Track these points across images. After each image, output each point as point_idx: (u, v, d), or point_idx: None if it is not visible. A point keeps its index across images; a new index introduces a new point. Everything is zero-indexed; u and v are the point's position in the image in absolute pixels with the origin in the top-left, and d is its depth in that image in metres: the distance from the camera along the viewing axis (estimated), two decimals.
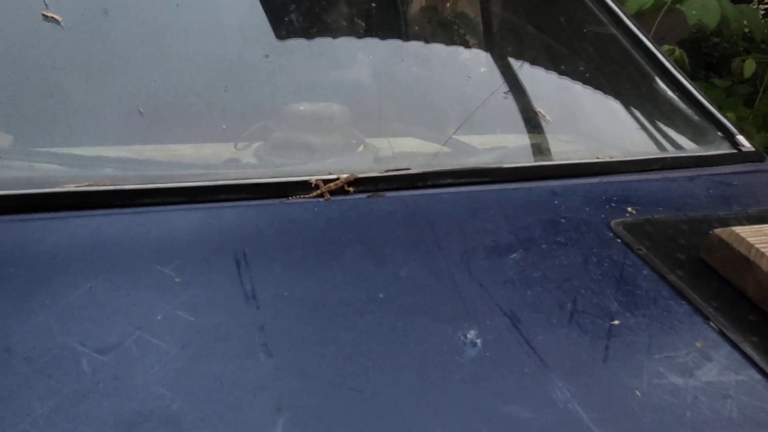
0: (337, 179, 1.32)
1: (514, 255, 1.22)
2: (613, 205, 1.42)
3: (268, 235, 1.16)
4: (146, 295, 1.01)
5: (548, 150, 1.67)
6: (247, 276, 1.07)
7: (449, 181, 1.40)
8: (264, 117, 1.70)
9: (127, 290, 1.02)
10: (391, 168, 1.39)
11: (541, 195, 1.42)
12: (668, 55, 2.10)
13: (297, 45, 1.83)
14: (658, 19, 3.43)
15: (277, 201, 1.27)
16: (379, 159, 1.64)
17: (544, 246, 1.26)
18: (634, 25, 2.01)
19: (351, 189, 1.32)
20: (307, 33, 1.86)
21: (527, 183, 1.46)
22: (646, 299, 1.16)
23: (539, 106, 1.82)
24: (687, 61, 3.37)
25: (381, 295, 1.08)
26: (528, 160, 1.63)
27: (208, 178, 1.25)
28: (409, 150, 1.82)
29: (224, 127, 1.68)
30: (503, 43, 2.24)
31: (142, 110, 1.48)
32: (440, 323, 1.04)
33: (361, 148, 1.76)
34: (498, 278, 1.16)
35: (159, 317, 0.98)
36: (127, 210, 1.17)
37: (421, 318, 1.05)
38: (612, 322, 1.09)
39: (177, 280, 1.05)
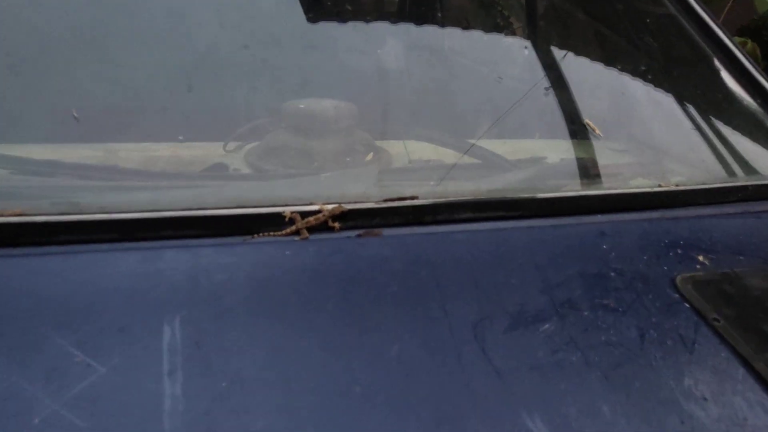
0: (319, 212, 1.02)
1: (547, 326, 0.91)
2: (679, 251, 1.09)
3: (215, 290, 0.87)
4: (28, 383, 0.73)
5: (596, 172, 1.34)
6: (175, 356, 0.78)
7: (467, 215, 1.09)
8: (258, 116, 1.44)
9: (5, 373, 0.74)
10: (392, 197, 1.08)
11: (585, 236, 1.10)
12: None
13: (298, 31, 1.54)
14: (727, 6, 3.02)
15: (238, 239, 0.97)
16: (383, 181, 1.34)
17: (586, 313, 0.94)
18: (706, 13, 1.65)
19: (336, 225, 1.02)
20: (310, 16, 1.56)
21: (567, 219, 1.13)
22: (727, 397, 0.84)
23: (588, 113, 1.48)
24: (760, 55, 2.95)
25: (358, 389, 0.79)
26: (569, 185, 1.31)
27: (154, 207, 0.96)
28: (427, 158, 1.52)
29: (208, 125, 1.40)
30: (549, 32, 1.90)
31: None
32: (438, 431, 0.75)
33: (370, 156, 1.46)
34: (522, 363, 0.85)
35: (36, 420, 0.70)
36: (33, 250, 0.90)
37: (412, 424, 0.76)
38: None
39: (77, 359, 0.76)
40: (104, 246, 0.91)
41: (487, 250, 1.03)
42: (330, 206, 1.02)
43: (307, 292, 0.90)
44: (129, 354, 0.78)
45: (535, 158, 1.49)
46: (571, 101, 1.57)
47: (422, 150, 1.52)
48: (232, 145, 1.42)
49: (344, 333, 0.86)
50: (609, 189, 1.27)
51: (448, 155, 1.52)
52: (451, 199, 1.10)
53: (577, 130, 1.52)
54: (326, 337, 0.84)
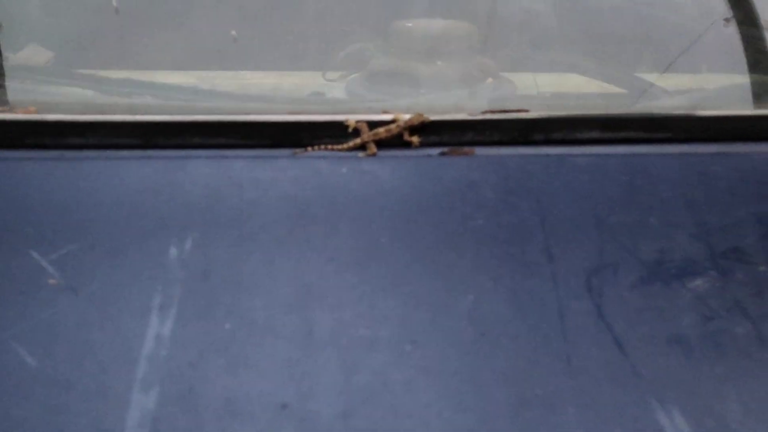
0: (393, 122, 0.78)
1: (698, 282, 0.63)
2: None
3: (241, 210, 0.67)
4: None
5: None
6: (173, 287, 0.60)
7: (593, 134, 0.81)
8: (361, 37, 1.28)
9: None
10: (493, 109, 0.82)
11: (763, 168, 0.78)
12: None
13: None
14: None
15: (285, 152, 0.76)
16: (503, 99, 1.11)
17: (762, 268, 0.64)
18: None
19: (415, 139, 0.78)
20: None
21: (738, 145, 0.82)
22: None
23: None
24: None
25: (409, 349, 0.56)
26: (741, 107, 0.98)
27: (184, 111, 0.78)
28: (566, 90, 1.25)
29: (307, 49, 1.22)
30: None
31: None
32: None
33: (489, 81, 1.22)
34: (657, 332, 0.58)
35: None
36: (40, 153, 0.74)
37: (480, 410, 0.52)
38: None
39: (50, 281, 0.60)
40: (121, 153, 0.74)
41: (618, 180, 0.74)
42: (407, 116, 0.78)
43: (360, 221, 0.68)
44: (114, 280, 0.60)
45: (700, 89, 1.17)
46: (755, 32, 1.22)
47: (561, 82, 1.27)
48: (333, 74, 1.23)
49: (402, 276, 0.63)
50: None
51: (592, 87, 1.25)
52: (574, 113, 0.82)
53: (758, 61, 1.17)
54: (374, 280, 0.62)
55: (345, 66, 1.28)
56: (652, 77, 1.23)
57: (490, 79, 1.25)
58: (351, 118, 0.78)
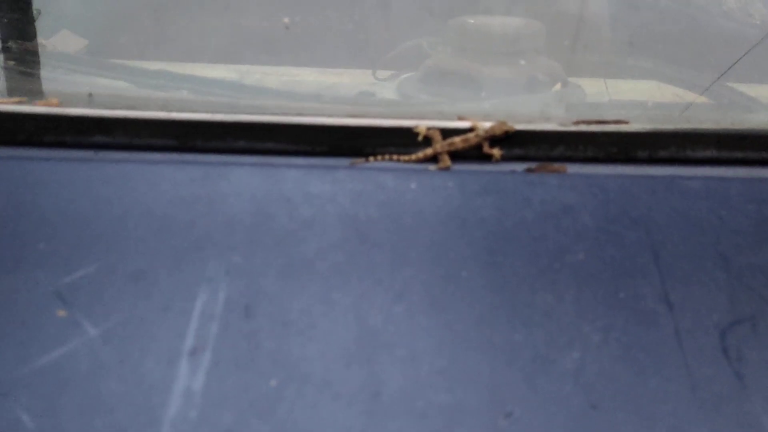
0: (471, 130, 0.66)
1: None
2: None
3: (290, 231, 0.56)
4: None
5: None
6: (208, 326, 0.48)
7: (709, 153, 0.68)
8: (416, 35, 1.17)
9: None
10: (586, 119, 0.70)
11: None
12: None
13: None
14: None
15: (343, 162, 0.65)
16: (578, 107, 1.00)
17: None
18: None
19: (496, 151, 0.66)
20: None
21: None
22: None
23: None
24: None
25: (502, 422, 0.44)
26: None
27: (225, 110, 0.66)
28: (641, 99, 1.14)
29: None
30: None
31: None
32: None
33: (557, 87, 1.12)
34: None
35: None
36: (58, 153, 0.63)
37: None
38: None
39: (59, 313, 0.49)
40: (153, 156, 0.63)
41: (744, 210, 0.61)
42: (487, 124, 0.66)
43: (435, 249, 0.56)
44: (138, 313, 0.49)
45: None
46: None
47: (635, 90, 1.15)
48: (384, 73, 1.13)
49: (488, 323, 0.51)
50: None
51: (669, 95, 1.13)
52: (684, 127, 0.70)
53: None
54: (455, 326, 0.50)
55: (397, 64, 1.18)
56: (743, 88, 1.11)
57: (558, 84, 1.14)
58: (422, 124, 0.66)
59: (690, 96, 1.14)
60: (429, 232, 0.57)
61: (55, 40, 1.13)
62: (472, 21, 1.17)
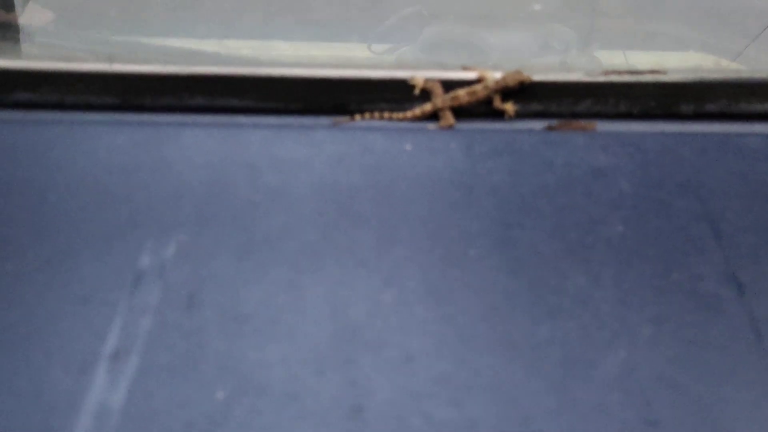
0: (479, 81, 0.54)
1: None
2: None
3: (251, 204, 0.44)
4: None
5: None
6: (137, 321, 0.37)
7: (756, 107, 0.56)
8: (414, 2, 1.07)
9: None
10: (617, 69, 0.58)
11: None
12: None
13: None
14: None
15: (324, 121, 0.53)
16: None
17: None
18: None
19: (510, 106, 0.54)
20: None
21: None
22: None
23: None
24: None
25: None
26: None
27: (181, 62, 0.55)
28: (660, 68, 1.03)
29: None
30: None
31: None
32: None
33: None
34: None
35: None
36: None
37: None
38: None
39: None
40: (88, 116, 0.52)
41: None
42: (497, 74, 0.54)
43: (433, 224, 0.44)
44: (49, 306, 0.37)
45: None
46: None
47: (654, 64, 1.05)
48: (380, 47, 1.02)
49: (505, 314, 0.39)
50: None
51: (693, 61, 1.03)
52: (737, 76, 0.58)
53: None
54: (460, 319, 0.38)
55: (394, 36, 1.08)
56: None
57: (571, 53, 1.04)
58: (418, 75, 0.54)
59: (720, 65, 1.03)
60: (426, 203, 0.46)
61: (23, 14, 1.04)
62: None
